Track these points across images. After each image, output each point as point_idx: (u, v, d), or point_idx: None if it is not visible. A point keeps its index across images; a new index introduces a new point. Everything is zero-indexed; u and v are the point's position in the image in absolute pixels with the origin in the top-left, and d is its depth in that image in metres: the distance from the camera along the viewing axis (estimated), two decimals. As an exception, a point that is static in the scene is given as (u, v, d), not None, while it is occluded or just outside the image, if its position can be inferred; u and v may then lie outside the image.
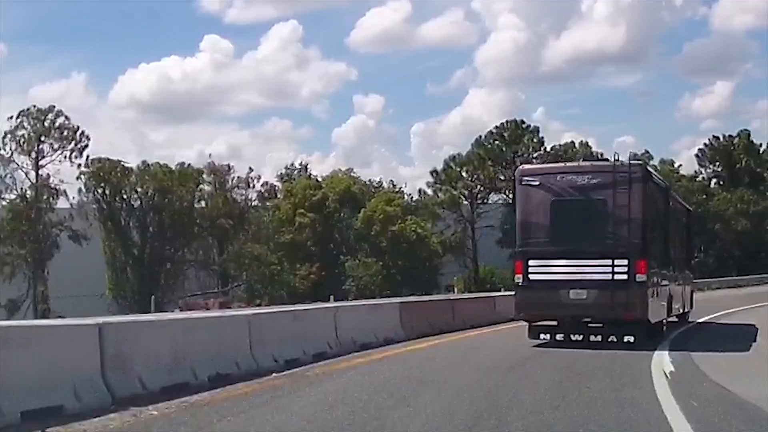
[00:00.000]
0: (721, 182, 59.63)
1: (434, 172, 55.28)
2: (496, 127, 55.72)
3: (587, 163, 14.29)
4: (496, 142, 55.19)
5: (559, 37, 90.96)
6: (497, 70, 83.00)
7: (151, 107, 77.40)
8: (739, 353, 10.69)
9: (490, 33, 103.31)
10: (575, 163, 14.54)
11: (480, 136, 56.24)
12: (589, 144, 55.45)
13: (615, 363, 9.27)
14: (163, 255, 43.11)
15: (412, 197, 56.47)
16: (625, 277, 10.83)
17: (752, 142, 61.05)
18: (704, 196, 55.07)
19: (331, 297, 34.22)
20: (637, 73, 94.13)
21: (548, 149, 54.66)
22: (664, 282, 12.51)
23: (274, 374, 8.58)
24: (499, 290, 41.87)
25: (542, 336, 11.73)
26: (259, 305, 37.47)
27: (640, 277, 10.77)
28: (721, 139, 61.22)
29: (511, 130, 54.84)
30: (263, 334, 9.19)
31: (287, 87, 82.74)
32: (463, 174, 54.90)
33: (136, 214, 41.92)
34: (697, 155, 61.77)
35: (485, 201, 55.89)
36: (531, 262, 11.60)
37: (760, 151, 60.12)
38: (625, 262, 10.82)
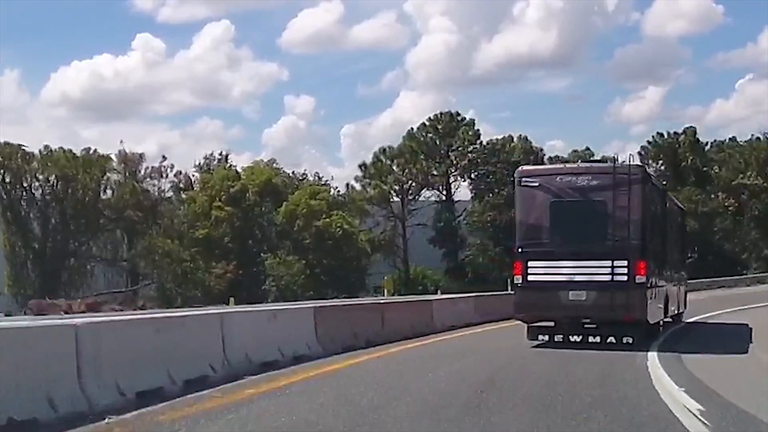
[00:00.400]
0: (665, 181, 62.17)
1: (363, 166, 56.56)
2: (430, 119, 57.56)
3: (587, 165, 15.47)
4: (429, 134, 57.10)
5: (490, 41, 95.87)
6: (428, 72, 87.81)
7: (83, 105, 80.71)
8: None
9: (421, 36, 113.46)
10: (575, 165, 15.80)
11: (412, 128, 58.13)
12: (528, 138, 58.30)
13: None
14: (67, 249, 42.05)
15: (339, 191, 57.44)
16: (624, 278, 11.95)
17: (698, 140, 63.60)
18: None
19: (231, 299, 33.18)
20: (568, 78, 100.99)
21: (485, 143, 57.34)
22: (662, 283, 13.75)
23: (106, 419, 6.18)
24: (436, 292, 43.10)
25: (541, 337, 12.69)
26: (168, 307, 36.87)
27: (640, 279, 11.89)
28: (666, 136, 63.78)
29: (445, 123, 56.68)
30: (102, 353, 6.76)
31: (218, 87, 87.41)
32: (394, 168, 56.39)
33: (37, 204, 40.69)
34: (640, 153, 63.77)
35: (417, 197, 57.75)
36: (530, 263, 12.55)
37: (705, 150, 62.72)
38: (625, 263, 11.91)
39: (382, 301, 18.64)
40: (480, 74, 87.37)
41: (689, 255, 19.45)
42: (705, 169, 61.16)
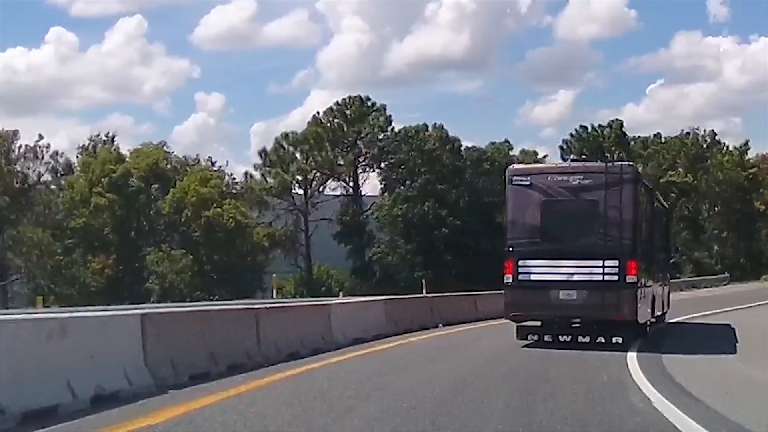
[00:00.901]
0: None
1: (263, 152, 56.53)
2: (338, 103, 58.37)
3: (579, 164, 17.00)
4: (337, 120, 57.95)
5: (402, 41, 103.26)
6: (340, 71, 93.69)
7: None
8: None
9: (333, 35, 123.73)
10: (566, 164, 17.28)
11: (318, 113, 58.74)
12: (444, 126, 59.78)
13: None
14: None
15: (234, 179, 57.09)
16: (615, 278, 13.42)
17: (625, 133, 66.31)
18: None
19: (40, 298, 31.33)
20: (479, 80, 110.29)
21: (396, 130, 58.62)
22: (650, 283, 15.43)
23: None
24: (337, 295, 43.05)
25: (530, 337, 14.08)
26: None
27: (631, 278, 13.37)
28: (590, 129, 66.54)
29: (354, 108, 57.76)
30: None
31: (130, 82, 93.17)
32: (297, 156, 56.92)
33: None
34: (561, 147, 66.97)
35: (322, 189, 58.52)
36: (521, 262, 13.90)
37: (632, 145, 65.29)
38: (616, 263, 13.34)
39: (257, 306, 13.96)
40: (391, 74, 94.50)
41: (672, 255, 21.61)
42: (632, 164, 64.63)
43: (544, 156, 65.25)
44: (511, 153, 60.33)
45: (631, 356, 12.26)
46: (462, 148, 59.20)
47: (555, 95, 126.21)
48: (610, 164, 14.32)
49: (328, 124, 57.29)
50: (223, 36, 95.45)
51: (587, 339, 13.76)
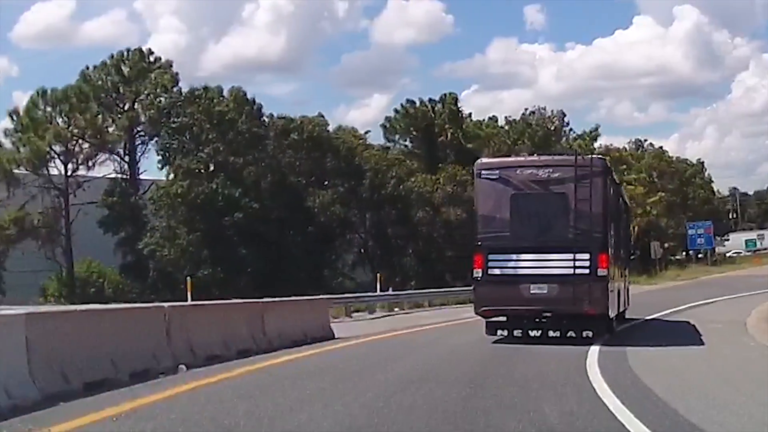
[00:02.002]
0: (418, 159, 64.93)
1: (14, 114, 53.78)
2: (112, 56, 57.18)
3: (548, 157, 20.21)
4: (110, 77, 56.93)
5: (218, 42, 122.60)
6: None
7: None
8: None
9: (150, 34, 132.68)
10: (536, 157, 20.36)
11: (87, 67, 57.01)
12: (243, 89, 59.23)
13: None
14: None
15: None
16: (586, 271, 16.92)
17: (460, 110, 69.09)
18: (404, 174, 60.13)
19: None
20: (295, 82, 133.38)
21: (184, 91, 57.07)
22: (617, 277, 19.15)
23: None
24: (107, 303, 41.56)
25: (500, 332, 17.46)
26: None
27: (602, 272, 16.90)
28: (419, 104, 68.89)
29: (133, 63, 57.10)
30: None
31: None
32: (58, 120, 54.82)
33: None
34: (383, 125, 69.78)
35: (91, 165, 56.65)
36: (491, 257, 17.19)
37: (464, 126, 68.01)
38: (587, 256, 16.79)
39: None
40: (207, 76, 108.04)
41: (632, 252, 25.49)
42: (470, 146, 65.94)
43: (366, 132, 68.69)
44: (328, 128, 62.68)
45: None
46: (263, 110, 59.48)
47: (369, 99, 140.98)
48: (579, 157, 17.96)
49: (99, 82, 56.31)
50: (41, 33, 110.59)
51: (557, 334, 17.37)
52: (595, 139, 71.45)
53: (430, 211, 60.80)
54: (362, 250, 64.16)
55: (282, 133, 60.19)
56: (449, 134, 64.59)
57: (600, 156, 19.66)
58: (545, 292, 16.91)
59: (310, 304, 21.76)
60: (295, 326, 18.28)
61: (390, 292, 40.37)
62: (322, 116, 63.74)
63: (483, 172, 17.37)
